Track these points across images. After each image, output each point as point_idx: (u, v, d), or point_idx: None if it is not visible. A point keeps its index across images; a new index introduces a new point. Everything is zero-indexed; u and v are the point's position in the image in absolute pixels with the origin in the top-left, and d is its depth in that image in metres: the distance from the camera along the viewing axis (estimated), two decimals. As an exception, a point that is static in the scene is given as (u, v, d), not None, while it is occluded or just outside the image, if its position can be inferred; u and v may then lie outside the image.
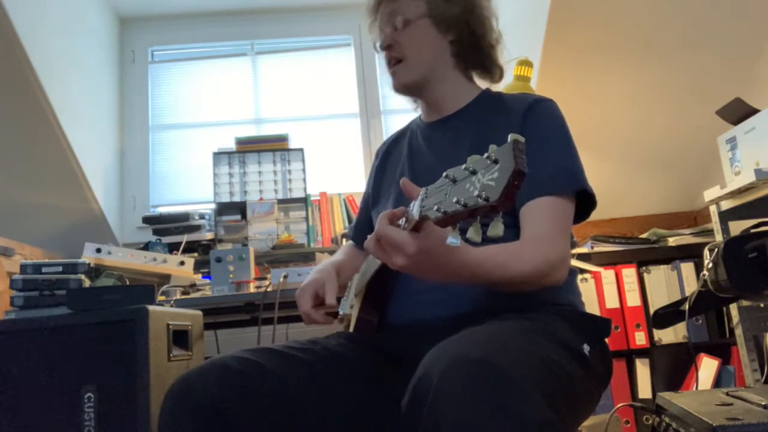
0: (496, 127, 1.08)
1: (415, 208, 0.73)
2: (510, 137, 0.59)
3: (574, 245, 1.15)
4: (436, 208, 0.67)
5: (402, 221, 0.77)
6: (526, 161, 0.58)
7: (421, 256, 0.77)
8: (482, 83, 1.24)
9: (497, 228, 0.64)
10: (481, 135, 1.09)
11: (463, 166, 0.64)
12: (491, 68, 1.20)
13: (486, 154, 0.61)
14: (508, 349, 0.74)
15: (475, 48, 1.16)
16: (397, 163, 1.24)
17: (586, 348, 0.94)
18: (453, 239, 0.67)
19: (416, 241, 0.76)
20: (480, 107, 1.16)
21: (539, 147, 1.03)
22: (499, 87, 2.02)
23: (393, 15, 1.16)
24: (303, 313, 1.10)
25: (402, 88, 1.19)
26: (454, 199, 0.63)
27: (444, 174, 0.68)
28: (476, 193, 0.61)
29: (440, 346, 0.74)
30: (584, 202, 1.06)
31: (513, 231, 1.00)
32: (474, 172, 0.63)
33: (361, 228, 1.33)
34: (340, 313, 1.15)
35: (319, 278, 1.13)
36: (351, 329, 1.09)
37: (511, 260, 0.91)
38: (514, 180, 0.58)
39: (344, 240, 2.48)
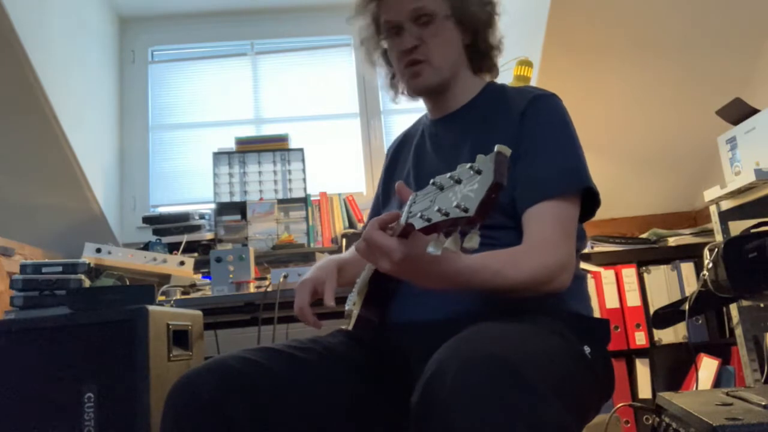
0: (497, 125, 1.07)
1: (403, 214, 0.73)
2: (496, 148, 0.59)
3: (583, 246, 1.12)
4: (419, 215, 0.67)
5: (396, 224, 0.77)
6: (506, 173, 0.58)
7: (407, 263, 0.77)
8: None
9: (473, 240, 0.64)
10: (483, 134, 1.08)
11: (449, 174, 0.65)
12: (493, 68, 1.21)
13: (470, 164, 0.61)
14: (522, 348, 0.73)
15: (487, 49, 1.17)
16: (405, 163, 1.23)
17: (586, 349, 0.94)
18: (433, 248, 0.67)
19: (402, 248, 0.76)
20: (484, 102, 1.15)
21: (539, 147, 1.01)
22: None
23: (417, 12, 1.08)
24: (297, 307, 1.08)
25: (425, 90, 1.14)
26: (436, 208, 0.63)
27: (431, 181, 0.67)
28: (455, 203, 0.61)
29: (453, 343, 0.73)
30: (590, 199, 1.03)
31: (515, 234, 0.99)
32: (459, 181, 0.63)
33: None
34: (346, 309, 1.15)
35: (320, 276, 1.12)
36: (350, 327, 1.09)
37: (507, 268, 0.89)
38: (491, 193, 0.58)
39: (344, 240, 2.48)
